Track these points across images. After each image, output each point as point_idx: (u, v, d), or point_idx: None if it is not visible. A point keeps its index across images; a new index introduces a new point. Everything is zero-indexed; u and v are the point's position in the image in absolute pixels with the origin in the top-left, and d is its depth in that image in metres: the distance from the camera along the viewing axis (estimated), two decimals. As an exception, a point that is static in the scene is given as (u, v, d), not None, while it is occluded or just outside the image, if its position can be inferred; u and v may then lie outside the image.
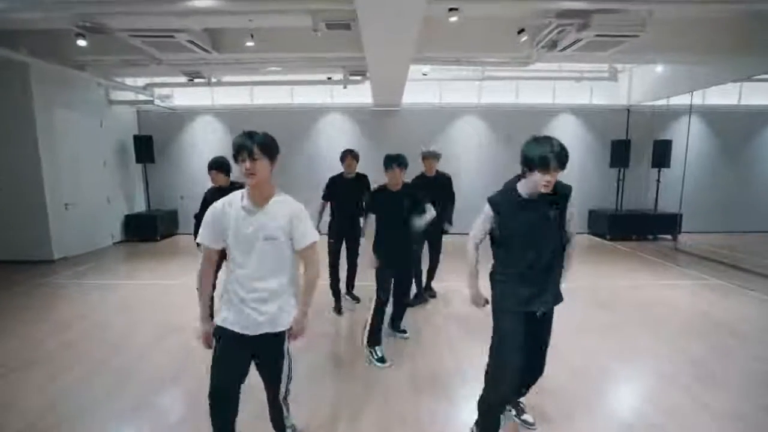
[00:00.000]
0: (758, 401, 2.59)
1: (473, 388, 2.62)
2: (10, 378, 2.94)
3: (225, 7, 3.68)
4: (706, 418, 2.41)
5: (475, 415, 2.19)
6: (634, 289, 4.99)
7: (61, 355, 3.30)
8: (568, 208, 2.00)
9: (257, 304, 1.79)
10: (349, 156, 4.08)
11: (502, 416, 2.15)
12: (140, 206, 8.52)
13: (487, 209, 2.03)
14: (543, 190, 1.89)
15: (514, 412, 2.37)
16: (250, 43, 5.22)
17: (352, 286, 4.39)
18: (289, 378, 1.93)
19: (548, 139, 1.89)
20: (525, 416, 2.34)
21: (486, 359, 2.15)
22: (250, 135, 1.78)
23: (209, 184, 3.54)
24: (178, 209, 8.64)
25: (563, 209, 1.99)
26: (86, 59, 5.90)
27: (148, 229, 8.03)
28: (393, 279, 3.18)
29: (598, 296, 4.67)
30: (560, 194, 1.98)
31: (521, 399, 2.39)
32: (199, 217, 3.34)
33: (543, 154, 1.83)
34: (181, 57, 5.71)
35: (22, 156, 6.05)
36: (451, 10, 4.13)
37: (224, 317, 1.84)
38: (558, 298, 2.08)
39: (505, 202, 2.01)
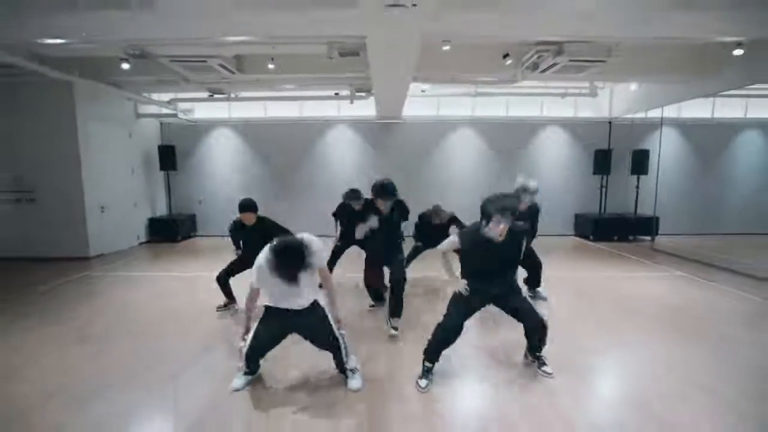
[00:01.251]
0: (711, 369, 3.27)
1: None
2: (71, 351, 3.55)
3: (257, 40, 4.43)
4: (657, 375, 3.10)
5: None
6: (609, 280, 5.69)
7: (110, 332, 3.92)
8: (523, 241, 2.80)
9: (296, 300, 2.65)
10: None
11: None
12: (162, 210, 9.25)
13: (456, 240, 2.81)
14: (499, 239, 2.62)
15: (536, 363, 3.03)
16: (270, 66, 6.00)
17: None
18: (345, 347, 2.76)
19: (502, 199, 2.59)
20: (544, 368, 2.99)
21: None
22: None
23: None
24: (197, 213, 9.37)
25: (519, 244, 2.77)
26: (123, 78, 6.67)
27: (169, 231, 8.74)
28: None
29: (578, 286, 5.36)
30: (515, 236, 2.71)
31: (541, 353, 3.02)
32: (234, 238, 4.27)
33: (493, 212, 2.55)
34: (208, 77, 6.49)
35: (65, 164, 6.81)
36: (444, 41, 4.90)
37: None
38: (507, 288, 2.87)
39: (470, 239, 2.77)
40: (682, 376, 2.98)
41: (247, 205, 4.07)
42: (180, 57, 5.43)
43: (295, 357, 3.24)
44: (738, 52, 5.18)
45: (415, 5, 3.17)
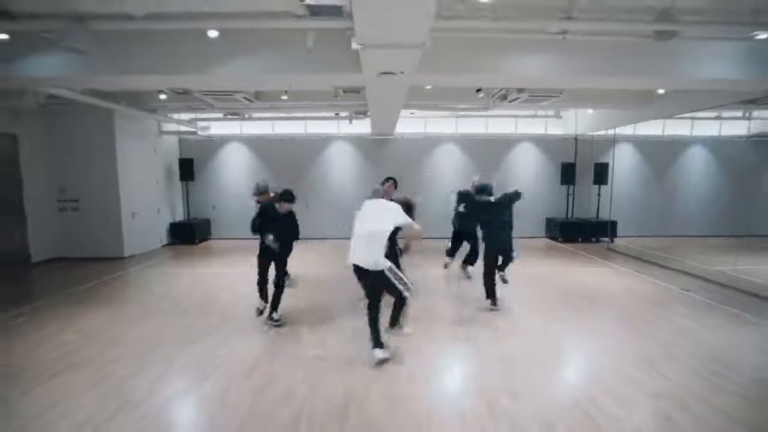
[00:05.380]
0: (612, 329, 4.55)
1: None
2: (153, 319, 4.77)
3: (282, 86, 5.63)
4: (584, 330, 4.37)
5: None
6: (563, 274, 6.97)
7: (172, 311, 5.11)
8: None
9: None
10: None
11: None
12: (181, 216, 10.37)
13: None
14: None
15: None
16: (284, 97, 7.20)
17: None
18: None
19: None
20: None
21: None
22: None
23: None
24: (211, 219, 10.50)
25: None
26: (158, 105, 7.83)
27: (188, 234, 9.85)
28: None
29: (534, 278, 6.64)
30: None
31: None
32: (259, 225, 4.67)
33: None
34: (231, 104, 7.67)
35: (105, 176, 7.95)
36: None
37: None
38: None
39: None
40: (592, 335, 4.26)
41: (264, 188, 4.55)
42: (211, 92, 6.61)
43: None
44: (661, 91, 6.51)
45: (402, 73, 4.41)
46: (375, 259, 3.44)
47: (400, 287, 3.52)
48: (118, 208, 8.05)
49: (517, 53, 4.51)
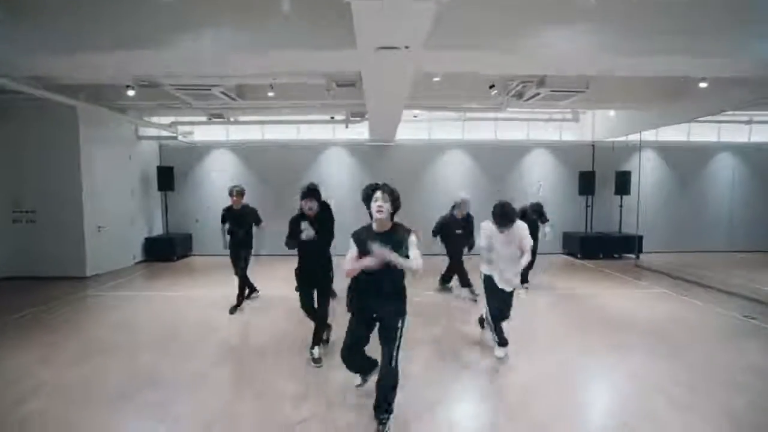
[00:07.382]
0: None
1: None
2: (95, 359, 3.75)
3: (260, 72, 4.74)
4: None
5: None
6: (589, 297, 5.95)
7: (127, 347, 4.10)
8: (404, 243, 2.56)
9: None
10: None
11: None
12: (159, 230, 9.38)
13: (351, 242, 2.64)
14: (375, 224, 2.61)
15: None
16: (270, 94, 6.31)
17: None
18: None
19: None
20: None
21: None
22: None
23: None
24: (193, 233, 9.51)
25: (400, 245, 2.53)
26: (127, 103, 6.93)
27: (165, 250, 8.84)
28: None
29: (556, 301, 5.62)
30: (397, 234, 2.60)
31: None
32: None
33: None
34: (210, 102, 6.78)
35: (66, 184, 6.97)
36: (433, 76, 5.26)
37: None
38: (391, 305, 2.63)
39: (362, 233, 2.65)
40: (641, 378, 3.23)
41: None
42: (184, 86, 5.71)
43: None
44: (703, 84, 5.63)
45: (407, 47, 3.50)
46: None
47: None
48: (80, 221, 7.05)
49: (547, 24, 3.61)
